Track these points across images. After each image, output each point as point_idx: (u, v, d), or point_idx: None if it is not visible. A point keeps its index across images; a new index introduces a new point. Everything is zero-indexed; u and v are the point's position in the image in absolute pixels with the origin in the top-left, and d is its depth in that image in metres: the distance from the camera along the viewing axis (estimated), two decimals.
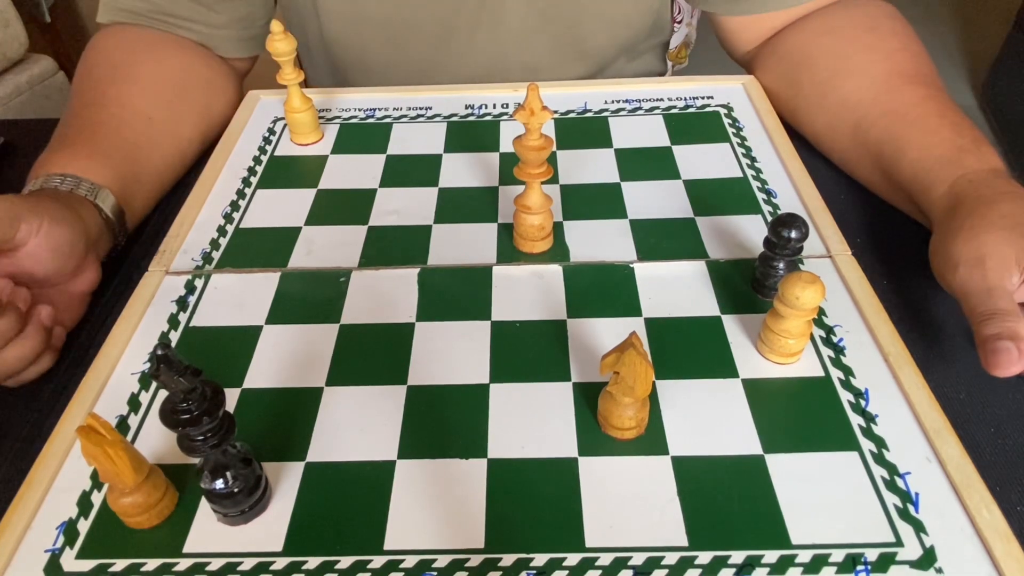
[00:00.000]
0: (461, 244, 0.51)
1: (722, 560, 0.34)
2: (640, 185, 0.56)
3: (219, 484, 0.34)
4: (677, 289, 0.47)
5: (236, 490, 0.34)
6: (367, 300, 0.47)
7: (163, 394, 0.39)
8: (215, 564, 0.34)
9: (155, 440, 0.39)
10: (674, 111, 0.64)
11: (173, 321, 0.46)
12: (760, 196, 0.54)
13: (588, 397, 0.41)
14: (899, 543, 0.34)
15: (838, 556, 0.33)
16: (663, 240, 0.51)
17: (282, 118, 0.65)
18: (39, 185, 0.49)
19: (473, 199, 0.55)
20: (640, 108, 0.64)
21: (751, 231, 0.51)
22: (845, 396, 0.40)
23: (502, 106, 0.65)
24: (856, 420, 0.39)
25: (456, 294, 0.47)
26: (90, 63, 0.61)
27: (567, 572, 0.33)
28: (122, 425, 0.40)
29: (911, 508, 0.35)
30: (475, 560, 0.34)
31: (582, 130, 0.62)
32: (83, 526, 0.36)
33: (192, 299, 0.48)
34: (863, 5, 0.62)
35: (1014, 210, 0.43)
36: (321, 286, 0.48)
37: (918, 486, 0.36)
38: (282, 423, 0.40)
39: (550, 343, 0.44)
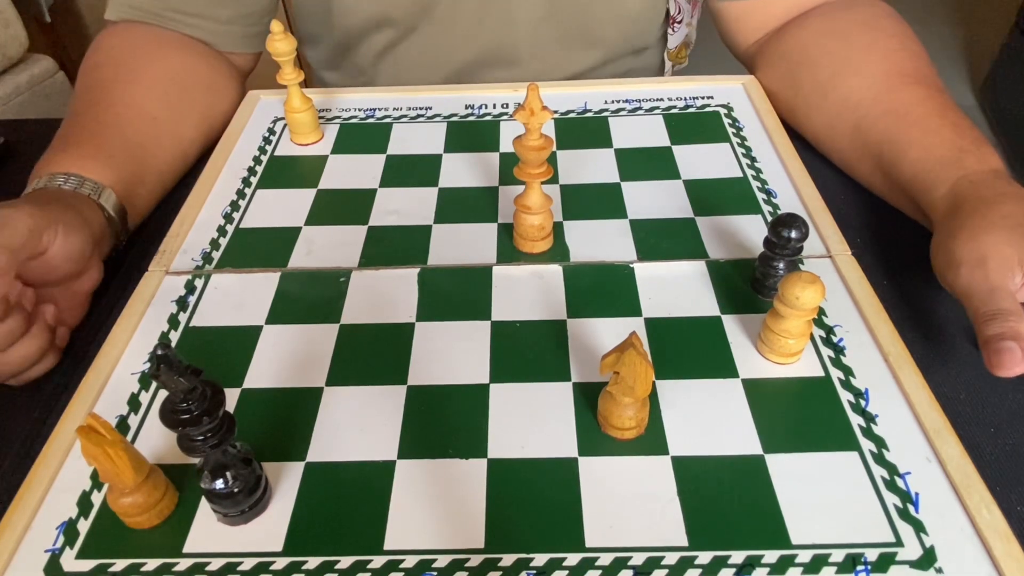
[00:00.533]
0: (461, 244, 0.51)
1: (722, 560, 0.34)
2: (640, 185, 0.56)
3: (219, 484, 0.34)
4: (677, 289, 0.47)
5: (236, 490, 0.34)
6: (367, 300, 0.47)
7: (163, 394, 0.39)
8: (215, 564, 0.34)
9: (155, 440, 0.39)
10: (674, 111, 0.64)
11: (173, 321, 0.46)
12: (760, 196, 0.54)
13: (588, 397, 0.41)
14: (899, 543, 0.34)
15: (838, 556, 0.33)
16: (663, 240, 0.51)
17: (282, 118, 0.65)
18: (43, 184, 0.50)
19: (473, 199, 0.55)
20: (640, 108, 0.64)
21: (751, 231, 0.51)
22: (845, 396, 0.40)
23: (502, 106, 0.65)
24: (856, 420, 0.39)
25: (456, 294, 0.47)
26: (94, 62, 0.61)
27: (567, 572, 0.33)
28: (122, 425, 0.40)
29: (911, 508, 0.35)
30: (475, 560, 0.34)
31: (582, 130, 0.62)
32: (83, 526, 0.36)
33: (192, 299, 0.48)
34: (863, 6, 0.62)
35: (1015, 210, 0.43)
36: (321, 286, 0.48)
37: (918, 486, 0.36)
38: (282, 423, 0.40)
39: (550, 343, 0.44)
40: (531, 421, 0.40)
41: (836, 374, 0.42)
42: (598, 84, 0.68)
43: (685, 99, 0.65)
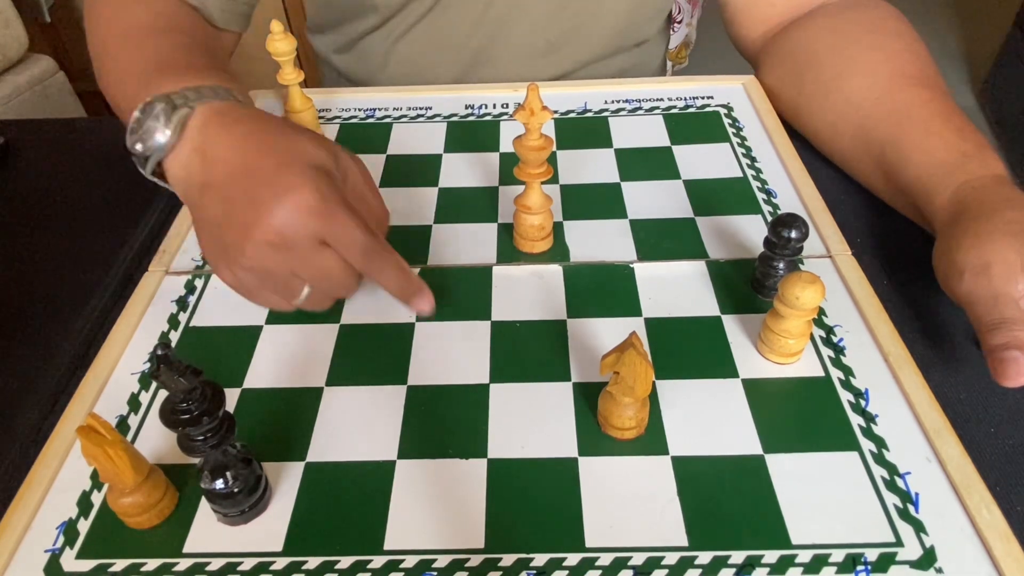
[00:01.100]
0: (461, 244, 0.51)
1: (722, 560, 0.34)
2: (640, 185, 0.56)
3: (219, 484, 0.34)
4: (677, 289, 0.47)
5: (236, 490, 0.34)
6: (367, 300, 0.47)
7: (163, 394, 0.39)
8: (215, 564, 0.34)
9: (155, 440, 0.39)
10: (674, 111, 0.64)
11: (173, 321, 0.46)
12: (760, 196, 0.54)
13: (588, 397, 0.41)
14: (899, 543, 0.34)
15: (838, 556, 0.33)
16: (663, 240, 0.51)
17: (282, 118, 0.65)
18: (205, 97, 0.42)
19: (473, 199, 0.55)
20: (640, 108, 0.64)
21: (751, 231, 0.51)
22: (845, 396, 0.40)
23: (502, 106, 0.65)
24: (856, 420, 0.39)
25: (456, 294, 0.47)
26: (123, 19, 0.55)
27: (567, 572, 0.33)
28: (122, 425, 0.40)
29: (911, 508, 0.35)
30: (475, 560, 0.34)
31: (582, 130, 0.62)
32: (83, 526, 0.36)
33: (192, 299, 0.48)
34: (869, 7, 0.62)
35: (1018, 217, 0.42)
36: None
37: (918, 486, 0.36)
38: (282, 423, 0.40)
39: (550, 343, 0.44)
40: (531, 421, 0.40)
41: (836, 374, 0.42)
42: (598, 84, 0.68)
43: (685, 99, 0.65)
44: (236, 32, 0.65)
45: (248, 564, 0.34)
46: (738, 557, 0.34)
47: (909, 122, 0.52)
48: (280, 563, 0.34)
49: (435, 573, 0.33)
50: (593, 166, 0.58)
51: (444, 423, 0.40)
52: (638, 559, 0.34)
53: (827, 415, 0.40)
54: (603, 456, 0.38)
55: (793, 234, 0.43)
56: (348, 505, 0.36)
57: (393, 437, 0.39)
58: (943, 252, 0.44)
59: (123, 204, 0.57)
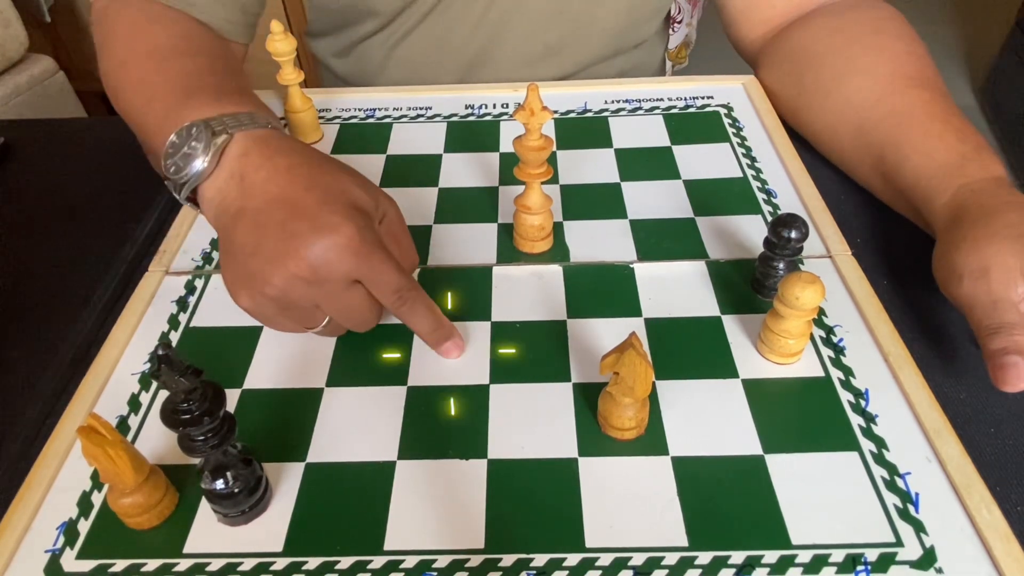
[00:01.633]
0: (461, 244, 0.51)
1: (722, 560, 0.34)
2: (640, 185, 0.56)
3: (219, 484, 0.34)
4: (677, 289, 0.47)
5: (236, 490, 0.34)
6: None
7: (163, 394, 0.39)
8: (215, 564, 0.34)
9: (155, 440, 0.39)
10: (674, 111, 0.64)
11: (173, 321, 0.46)
12: (760, 196, 0.54)
13: (588, 397, 0.41)
14: (899, 543, 0.34)
15: (838, 556, 0.33)
16: (663, 240, 0.51)
17: (282, 118, 0.65)
18: (243, 125, 0.42)
19: (473, 199, 0.55)
20: (640, 108, 0.64)
21: (751, 231, 0.51)
22: (845, 396, 0.40)
23: (502, 106, 0.65)
24: (856, 420, 0.39)
25: (456, 294, 0.47)
26: (140, 36, 0.54)
27: (567, 572, 0.33)
28: (122, 425, 0.40)
29: (911, 508, 0.35)
30: (475, 560, 0.34)
31: (582, 130, 0.62)
32: (83, 526, 0.36)
33: (192, 299, 0.48)
34: (869, 8, 0.62)
35: (1017, 220, 0.42)
36: None
37: (918, 486, 0.36)
38: (282, 424, 0.40)
39: (550, 343, 0.44)
40: (531, 421, 0.40)
41: (836, 374, 0.42)
42: (598, 84, 0.68)
43: (685, 99, 0.65)
44: (243, 44, 0.65)
45: (248, 564, 0.34)
46: (738, 557, 0.34)
47: (908, 124, 0.52)
48: (280, 563, 0.34)
49: (435, 573, 0.34)
50: (593, 166, 0.58)
51: (444, 423, 0.40)
52: (638, 559, 0.34)
53: (827, 415, 0.40)
54: (603, 456, 0.38)
55: (793, 234, 0.43)
56: (348, 505, 0.36)
57: (393, 438, 0.39)
58: (942, 256, 0.44)
59: (123, 204, 0.57)
